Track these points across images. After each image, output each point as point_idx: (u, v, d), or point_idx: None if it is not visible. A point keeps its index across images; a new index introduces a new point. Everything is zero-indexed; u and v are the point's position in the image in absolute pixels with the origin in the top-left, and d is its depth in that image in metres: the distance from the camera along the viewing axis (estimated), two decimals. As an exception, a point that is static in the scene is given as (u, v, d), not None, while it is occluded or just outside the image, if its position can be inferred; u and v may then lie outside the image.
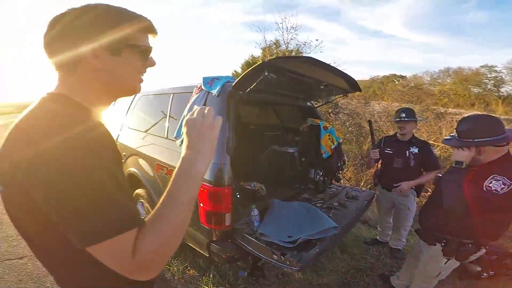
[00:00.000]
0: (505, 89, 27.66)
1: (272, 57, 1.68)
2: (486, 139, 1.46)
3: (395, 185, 2.48)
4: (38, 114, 0.55)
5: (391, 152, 2.57)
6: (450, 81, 30.54)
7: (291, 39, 10.45)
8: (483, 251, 1.66)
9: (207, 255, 1.89)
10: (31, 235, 0.58)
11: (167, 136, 2.20)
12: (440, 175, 1.92)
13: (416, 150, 2.47)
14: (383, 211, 2.84)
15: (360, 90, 2.55)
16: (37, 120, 0.54)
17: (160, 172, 2.13)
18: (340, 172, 2.86)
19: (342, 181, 4.36)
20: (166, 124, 2.26)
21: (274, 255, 1.57)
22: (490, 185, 1.40)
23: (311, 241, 1.70)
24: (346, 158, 2.95)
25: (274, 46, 12.15)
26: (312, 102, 2.95)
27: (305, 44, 10.39)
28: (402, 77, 35.77)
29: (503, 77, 27.86)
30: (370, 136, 2.80)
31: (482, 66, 29.39)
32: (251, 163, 2.53)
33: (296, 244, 1.65)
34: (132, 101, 2.96)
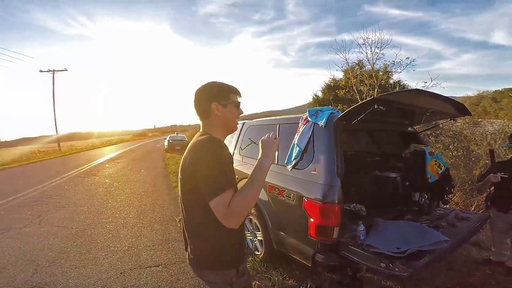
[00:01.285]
0: None
1: (383, 93, 1.91)
2: None
3: None
4: (197, 138, 1.11)
5: (507, 176, 2.45)
6: None
7: (377, 58, 9.88)
8: None
9: (310, 265, 2.09)
10: (188, 204, 1.10)
11: (277, 162, 2.57)
12: None
13: None
14: (499, 233, 2.67)
15: (470, 114, 2.47)
16: (198, 140, 1.08)
17: (272, 192, 2.52)
18: (447, 195, 2.72)
19: (449, 206, 3.97)
20: (276, 152, 2.66)
21: (382, 263, 1.70)
22: None
23: (420, 252, 1.77)
24: (454, 183, 2.78)
25: (357, 67, 11.71)
26: (414, 127, 2.95)
27: (394, 63, 9.71)
28: (521, 91, 28.98)
29: None
30: (490, 163, 2.61)
31: None
32: (352, 186, 2.68)
33: (406, 254, 1.74)
34: (241, 131, 3.55)
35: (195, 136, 1.15)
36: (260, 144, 1.15)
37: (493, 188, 2.62)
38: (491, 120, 8.99)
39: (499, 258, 2.75)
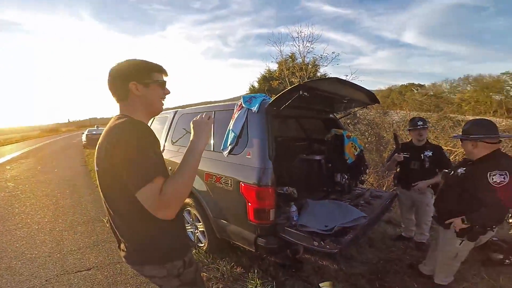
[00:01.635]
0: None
1: (307, 80, 2.07)
2: (478, 136, 1.83)
3: (413, 184, 2.77)
4: (113, 122, 0.97)
5: (409, 155, 2.87)
6: (471, 89, 29.82)
7: (308, 52, 10.60)
8: (491, 233, 1.90)
9: (254, 250, 2.18)
10: (111, 198, 0.99)
11: (213, 149, 2.57)
12: (447, 170, 2.24)
13: (430, 153, 2.78)
14: (405, 209, 3.11)
15: (379, 102, 2.87)
16: (114, 124, 0.95)
17: (209, 181, 2.50)
18: (363, 175, 3.14)
19: (365, 185, 4.60)
20: (211, 139, 2.63)
21: (315, 242, 1.88)
22: (495, 178, 1.69)
23: (345, 229, 2.02)
24: (368, 164, 3.24)
25: (290, 59, 12.33)
26: (334, 114, 3.29)
27: (321, 57, 10.58)
28: (421, 86, 35.32)
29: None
30: (395, 146, 3.09)
31: (504, 73, 28.61)
32: (283, 170, 2.85)
33: (333, 232, 1.96)
34: (173, 120, 3.39)
35: (111, 120, 1.01)
36: (191, 126, 1.08)
37: (398, 167, 3.05)
38: (397, 110, 10.72)
39: (408, 234, 3.20)
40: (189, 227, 2.96)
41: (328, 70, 11.82)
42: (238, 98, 2.65)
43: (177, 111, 3.44)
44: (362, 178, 3.14)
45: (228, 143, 2.34)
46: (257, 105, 2.29)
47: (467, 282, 2.39)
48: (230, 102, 2.70)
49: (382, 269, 2.62)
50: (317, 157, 2.93)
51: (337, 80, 2.11)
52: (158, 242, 1.01)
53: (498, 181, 1.68)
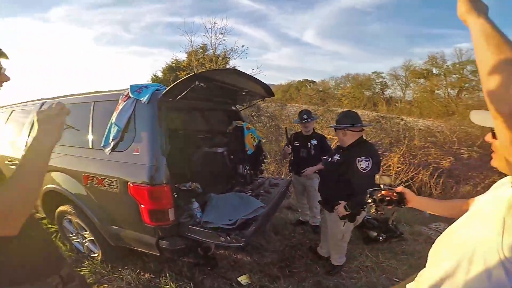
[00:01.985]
0: (387, 92, 34.34)
1: (203, 70, 1.96)
2: (347, 125, 2.11)
3: (302, 171, 3.04)
4: None
5: (298, 144, 3.17)
6: (349, 86, 36.13)
7: (219, 44, 10.58)
8: (364, 213, 2.27)
9: (158, 253, 1.98)
10: None
11: (92, 146, 2.18)
12: (325, 157, 2.53)
13: (315, 142, 3.07)
14: (298, 194, 3.43)
15: (273, 95, 3.03)
16: None
17: (90, 183, 2.10)
18: (262, 165, 3.30)
19: (266, 174, 4.89)
20: (90, 135, 2.22)
21: (221, 238, 1.82)
22: (361, 164, 1.99)
23: (247, 221, 2.03)
24: (266, 153, 3.41)
25: (201, 50, 12.13)
26: (236, 106, 3.31)
27: (232, 50, 10.70)
28: (313, 82, 40.49)
29: (387, 82, 34.66)
30: (285, 138, 3.37)
31: (373, 73, 35.85)
32: (185, 165, 2.69)
33: (237, 225, 1.94)
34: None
35: None
36: (35, 118, 0.82)
37: (292, 155, 3.32)
38: (293, 104, 12.00)
39: (304, 218, 3.50)
40: (73, 237, 2.52)
41: (237, 63, 12.13)
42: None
43: (44, 102, 2.76)
44: (261, 168, 3.29)
45: (111, 138, 2.00)
46: (147, 95, 2.02)
47: (356, 260, 2.75)
48: (113, 92, 2.32)
49: (289, 255, 2.80)
50: (220, 150, 2.89)
51: (235, 71, 2.09)
52: (15, 259, 0.85)
53: (364, 167, 1.97)
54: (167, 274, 2.30)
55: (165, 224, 1.91)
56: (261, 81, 2.53)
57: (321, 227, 2.74)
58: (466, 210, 0.99)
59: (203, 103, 2.73)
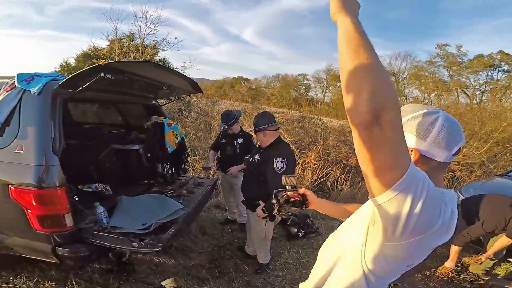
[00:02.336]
0: (310, 93, 37.65)
1: (111, 61, 1.72)
2: (265, 125, 2.20)
3: (227, 170, 3.05)
4: None
5: (225, 142, 3.16)
6: (279, 86, 38.20)
7: (149, 34, 9.83)
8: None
9: (57, 261, 1.75)
10: None
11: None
12: (247, 156, 2.60)
13: (241, 141, 3.08)
14: (226, 192, 3.44)
15: (201, 91, 2.93)
16: None
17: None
18: (185, 164, 3.18)
19: (192, 172, 4.75)
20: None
21: (133, 243, 1.67)
22: (277, 164, 2.09)
23: (165, 224, 1.90)
24: (189, 151, 3.30)
25: (127, 39, 11.28)
26: (157, 101, 3.09)
27: (163, 41, 10.06)
28: (247, 80, 41.32)
29: (311, 84, 37.97)
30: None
31: (299, 74, 38.77)
32: (90, 164, 2.38)
33: (152, 229, 1.80)
34: None
35: None
36: None
37: (219, 153, 3.25)
38: (225, 101, 11.96)
39: (232, 216, 3.50)
40: None
41: (169, 55, 11.58)
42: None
43: None
44: (185, 166, 3.17)
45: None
46: (39, 85, 1.72)
47: (280, 257, 2.87)
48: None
49: (218, 256, 2.76)
50: (135, 147, 2.66)
51: (152, 64, 1.93)
52: None
53: (279, 167, 2.06)
54: (74, 282, 2.04)
55: (61, 231, 1.68)
56: (186, 76, 2.42)
57: (247, 226, 2.78)
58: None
59: (115, 96, 2.45)
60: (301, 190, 1.28)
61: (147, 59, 9.60)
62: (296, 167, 2.32)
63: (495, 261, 2.76)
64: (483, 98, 25.03)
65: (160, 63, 2.02)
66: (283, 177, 1.32)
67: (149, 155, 2.69)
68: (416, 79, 28.79)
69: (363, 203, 0.92)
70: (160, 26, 9.91)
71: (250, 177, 2.38)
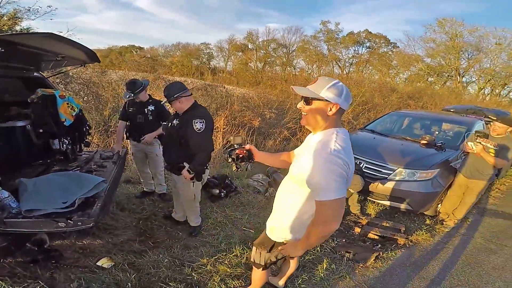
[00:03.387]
0: (213, 63, 37.23)
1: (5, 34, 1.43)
2: (179, 93, 2.31)
3: (141, 138, 3.02)
4: None
5: (135, 110, 3.05)
6: (179, 54, 35.88)
7: (8, 3, 7.61)
8: (208, 171, 2.57)
9: None
10: None
11: None
12: (165, 123, 2.67)
13: (153, 108, 3.04)
14: (140, 163, 3.34)
15: (99, 61, 2.68)
16: None
17: None
18: (86, 137, 2.94)
19: (93, 147, 4.34)
20: None
21: (60, 223, 1.58)
22: (197, 125, 2.24)
23: (89, 200, 1.83)
24: (89, 123, 3.03)
25: None
26: (40, 72, 2.66)
27: (29, 10, 8.14)
28: (140, 48, 36.84)
29: (213, 53, 37.30)
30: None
31: (202, 44, 37.43)
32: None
33: (76, 206, 1.72)
34: None
35: None
36: None
37: (128, 122, 3.13)
38: (116, 70, 10.66)
39: (149, 188, 3.43)
40: None
41: (35, 25, 9.29)
42: None
43: None
44: (87, 140, 2.93)
45: None
46: None
47: (209, 218, 3.05)
48: None
49: (146, 228, 2.75)
50: (20, 123, 2.30)
51: (52, 36, 1.70)
52: None
53: (199, 128, 2.20)
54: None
55: None
56: (83, 45, 2.19)
57: (172, 193, 2.83)
58: (291, 162, 1.46)
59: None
60: (247, 147, 1.52)
61: (3, 30, 7.69)
62: (213, 126, 2.54)
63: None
64: (351, 69, 30.70)
65: (60, 35, 1.79)
66: (231, 137, 1.53)
67: (40, 131, 2.38)
68: (303, 52, 31.97)
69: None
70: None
71: (170, 141, 2.43)
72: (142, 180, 3.50)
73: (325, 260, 2.50)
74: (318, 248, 2.71)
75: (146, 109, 3.03)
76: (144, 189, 3.49)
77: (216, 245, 2.61)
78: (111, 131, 5.23)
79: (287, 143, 6.88)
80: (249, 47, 34.42)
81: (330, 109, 1.19)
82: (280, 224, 1.44)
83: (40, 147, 2.43)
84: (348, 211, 3.61)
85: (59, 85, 6.65)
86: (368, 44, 31.30)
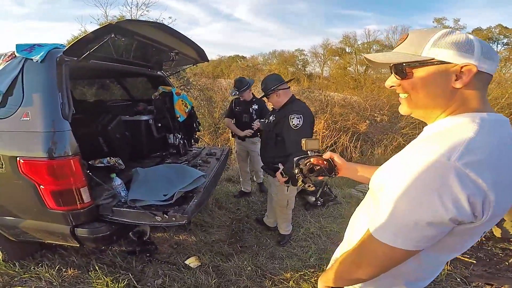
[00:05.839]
0: (308, 69, 36.92)
1: (122, 20, 1.54)
2: (276, 85, 2.07)
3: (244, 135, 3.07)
4: None
5: (240, 109, 3.15)
6: (276, 62, 37.32)
7: (141, 15, 9.49)
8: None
9: (77, 245, 1.65)
10: None
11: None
12: (263, 120, 2.51)
13: (256, 107, 3.11)
14: (241, 161, 3.42)
15: (207, 60, 2.76)
16: None
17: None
18: (196, 133, 3.07)
19: (203, 144, 4.68)
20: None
21: (157, 217, 1.56)
22: (293, 121, 1.97)
23: (187, 194, 1.80)
24: (198, 120, 3.18)
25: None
26: (162, 72, 2.93)
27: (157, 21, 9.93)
28: (243, 57, 40.33)
29: (308, 59, 37.12)
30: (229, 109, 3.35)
31: (296, 50, 37.89)
32: (99, 138, 2.25)
33: (174, 200, 1.69)
34: None
35: None
36: None
37: (234, 121, 3.26)
38: (225, 78, 11.84)
39: (246, 188, 3.49)
40: None
41: None
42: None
43: None
44: (196, 136, 3.07)
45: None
46: (42, 53, 1.58)
47: (302, 227, 2.81)
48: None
49: (237, 230, 2.71)
50: (144, 118, 2.52)
51: (162, 26, 1.75)
52: None
53: (295, 124, 1.95)
54: (96, 267, 1.98)
55: (78, 208, 1.56)
56: (193, 42, 2.23)
57: (267, 195, 2.71)
58: None
59: (119, 66, 2.29)
60: (327, 155, 1.06)
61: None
62: (313, 125, 2.18)
63: None
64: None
65: (169, 26, 1.83)
66: (303, 141, 1.09)
67: (159, 125, 2.56)
68: (414, 52, 28.23)
69: None
70: (152, 7, 9.66)
71: (267, 139, 2.26)
72: (241, 179, 3.54)
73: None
74: (444, 277, 2.06)
75: (250, 108, 3.12)
76: (242, 189, 3.52)
77: (304, 259, 2.34)
78: (219, 132, 5.61)
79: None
80: (347, 50, 32.41)
81: (457, 76, 0.61)
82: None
83: (158, 140, 2.63)
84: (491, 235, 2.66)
85: (183, 91, 7.79)
86: (505, 41, 25.99)
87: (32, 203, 1.55)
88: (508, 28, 25.59)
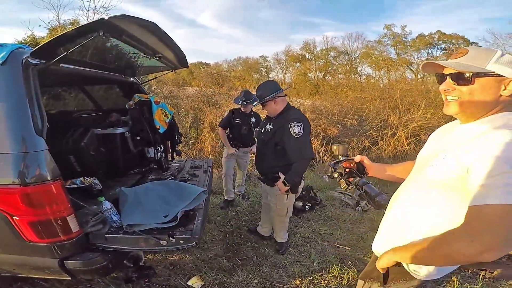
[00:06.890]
0: (271, 75, 37.89)
1: (117, 14, 1.30)
2: (275, 93, 2.04)
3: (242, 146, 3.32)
4: None
5: (240, 122, 3.29)
6: (241, 68, 37.60)
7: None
8: (303, 182, 2.30)
9: (69, 278, 1.43)
10: None
11: None
12: (257, 129, 2.47)
13: (254, 120, 3.32)
14: (229, 168, 3.44)
15: (187, 67, 2.59)
16: None
17: None
18: (178, 145, 2.89)
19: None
20: None
21: (162, 241, 1.40)
22: (294, 129, 1.94)
23: (188, 213, 1.65)
24: (180, 130, 2.99)
25: (72, 25, 9.89)
26: (136, 78, 2.69)
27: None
28: (207, 64, 39.83)
29: (271, 65, 38.10)
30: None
31: (260, 57, 38.77)
32: (70, 155, 1.97)
33: (178, 221, 1.54)
34: None
35: None
36: None
37: (230, 130, 3.36)
38: (191, 86, 11.60)
39: (229, 196, 3.44)
40: None
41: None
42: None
43: None
44: (178, 148, 2.87)
45: None
46: (3, 53, 1.32)
47: (296, 233, 2.82)
48: None
49: (232, 243, 2.62)
50: (120, 130, 2.27)
51: (154, 27, 1.57)
52: None
53: (296, 132, 1.93)
54: None
55: (67, 239, 1.34)
56: (178, 46, 2.03)
57: (262, 205, 2.65)
58: None
59: (91, 70, 2.05)
60: (357, 158, 1.19)
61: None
62: (310, 132, 2.19)
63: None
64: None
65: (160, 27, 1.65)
66: (335, 146, 1.24)
67: (138, 138, 2.33)
68: (367, 58, 30.39)
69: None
70: (110, 11, 8.99)
71: (264, 149, 2.19)
72: (224, 187, 3.50)
73: (454, 278, 2.08)
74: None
75: (249, 121, 3.29)
76: (226, 198, 3.49)
77: (308, 264, 2.36)
78: (191, 142, 5.43)
79: (366, 153, 6.13)
80: (307, 57, 34.01)
81: (505, 87, 0.82)
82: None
83: (136, 155, 2.39)
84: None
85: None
86: (443, 46, 28.93)
87: (3, 236, 1.31)
88: (446, 34, 28.34)
